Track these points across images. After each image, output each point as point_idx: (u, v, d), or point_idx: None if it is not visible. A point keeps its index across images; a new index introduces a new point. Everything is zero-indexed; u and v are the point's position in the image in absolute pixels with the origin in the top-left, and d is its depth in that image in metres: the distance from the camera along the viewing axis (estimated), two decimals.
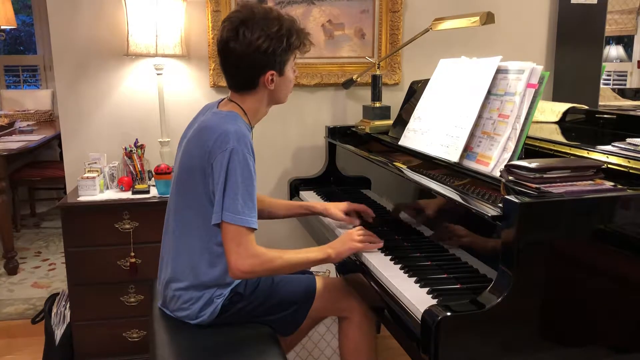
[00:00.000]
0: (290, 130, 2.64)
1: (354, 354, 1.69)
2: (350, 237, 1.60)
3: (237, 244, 1.40)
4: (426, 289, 1.32)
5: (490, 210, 1.21)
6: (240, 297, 1.56)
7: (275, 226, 2.68)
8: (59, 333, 2.25)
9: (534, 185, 1.23)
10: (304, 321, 1.65)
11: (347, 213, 1.87)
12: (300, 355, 2.14)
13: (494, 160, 1.46)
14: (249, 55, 1.48)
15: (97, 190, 2.23)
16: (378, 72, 2.38)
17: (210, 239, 1.50)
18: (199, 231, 1.51)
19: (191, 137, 1.54)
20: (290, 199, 2.45)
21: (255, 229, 1.43)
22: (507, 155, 1.43)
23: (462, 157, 1.56)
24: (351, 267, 1.63)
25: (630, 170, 1.34)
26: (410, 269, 1.44)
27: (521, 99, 1.45)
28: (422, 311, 1.17)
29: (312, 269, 2.28)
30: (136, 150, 2.32)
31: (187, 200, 1.53)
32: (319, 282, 1.69)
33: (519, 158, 1.43)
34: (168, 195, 1.68)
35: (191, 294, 1.53)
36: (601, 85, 2.97)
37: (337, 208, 1.87)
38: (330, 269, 2.43)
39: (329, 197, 2.26)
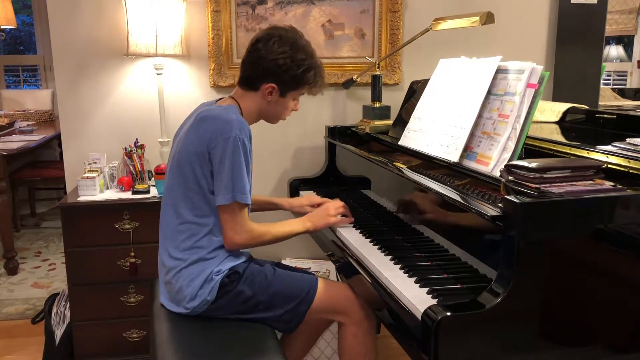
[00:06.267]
0: (290, 130, 2.64)
1: None
2: (327, 212, 1.80)
3: (233, 220, 1.57)
4: (426, 289, 1.32)
5: (490, 210, 1.21)
6: (238, 277, 1.60)
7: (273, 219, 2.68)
8: (59, 333, 2.25)
9: (534, 185, 1.23)
10: (304, 318, 1.64)
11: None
12: None
13: (494, 160, 1.46)
14: (266, 60, 1.62)
15: (97, 190, 2.23)
16: (378, 72, 2.38)
17: (198, 212, 1.59)
18: (188, 204, 1.59)
19: (190, 128, 1.61)
20: None
21: (249, 204, 1.59)
22: (507, 155, 1.43)
23: (462, 157, 1.56)
24: (352, 269, 1.63)
25: (630, 170, 1.34)
26: (410, 269, 1.44)
27: (521, 99, 1.45)
28: (422, 311, 1.17)
29: (312, 269, 2.29)
30: (136, 150, 2.32)
31: (180, 183, 1.59)
32: (320, 283, 1.69)
33: (519, 158, 1.42)
34: None
35: (191, 270, 1.58)
36: (601, 85, 2.97)
37: (299, 202, 2.02)
38: (331, 269, 2.43)
39: (329, 197, 2.25)
